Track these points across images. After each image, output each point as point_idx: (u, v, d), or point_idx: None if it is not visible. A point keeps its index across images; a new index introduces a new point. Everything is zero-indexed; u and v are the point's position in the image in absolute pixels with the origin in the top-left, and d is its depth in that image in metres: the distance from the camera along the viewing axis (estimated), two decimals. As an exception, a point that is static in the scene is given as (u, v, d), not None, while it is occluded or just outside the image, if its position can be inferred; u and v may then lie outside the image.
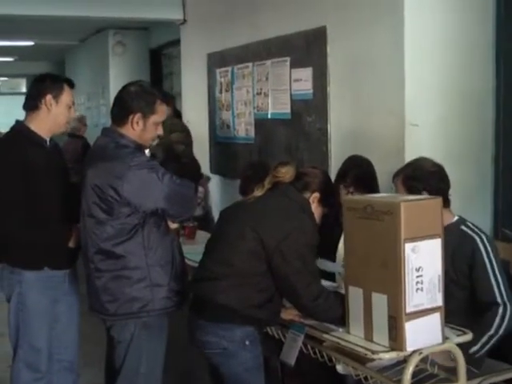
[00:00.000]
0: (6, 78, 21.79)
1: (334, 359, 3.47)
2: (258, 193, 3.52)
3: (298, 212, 3.45)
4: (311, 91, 6.09)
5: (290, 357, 3.50)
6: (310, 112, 6.13)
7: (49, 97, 3.91)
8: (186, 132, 7.19)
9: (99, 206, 3.52)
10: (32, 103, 3.95)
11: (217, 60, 8.01)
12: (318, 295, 3.30)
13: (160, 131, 3.76)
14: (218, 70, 7.98)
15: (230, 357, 3.38)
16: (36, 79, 4.09)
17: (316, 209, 3.56)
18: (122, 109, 3.65)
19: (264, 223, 3.35)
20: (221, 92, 7.94)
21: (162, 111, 3.71)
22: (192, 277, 3.67)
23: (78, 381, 4.27)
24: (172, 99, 7.52)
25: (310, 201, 3.54)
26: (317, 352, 3.54)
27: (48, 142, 4.00)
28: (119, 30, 12.24)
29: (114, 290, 3.57)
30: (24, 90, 21.94)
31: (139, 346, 3.63)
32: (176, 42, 10.20)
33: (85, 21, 10.57)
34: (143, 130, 3.63)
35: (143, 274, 3.55)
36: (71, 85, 4.05)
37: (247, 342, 3.37)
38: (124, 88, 3.72)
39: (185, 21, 9.12)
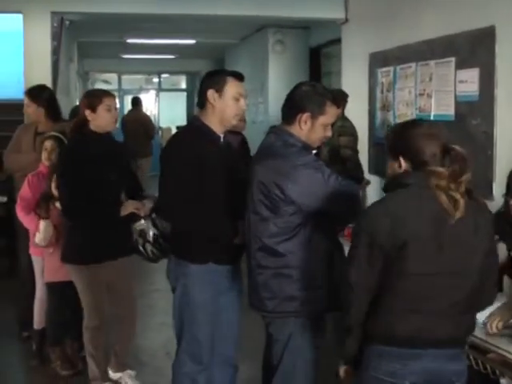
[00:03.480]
0: (167, 75, 22.45)
1: (497, 372, 3.34)
2: (457, 214, 2.73)
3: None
4: (477, 93, 5.92)
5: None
6: (476, 114, 5.95)
7: (210, 92, 3.87)
8: (354, 137, 7.13)
9: (264, 203, 3.54)
10: (199, 100, 3.98)
11: (379, 60, 7.93)
12: None
13: (328, 133, 3.70)
14: (379, 70, 7.90)
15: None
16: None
17: None
18: (292, 107, 3.63)
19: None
20: (382, 92, 7.86)
21: (331, 113, 3.66)
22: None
23: (236, 375, 4.30)
24: (345, 97, 7.34)
25: None
26: (479, 363, 3.42)
27: (222, 139, 4.02)
28: (279, 28, 12.31)
29: (274, 287, 3.58)
30: (184, 86, 22.59)
31: (297, 345, 3.62)
32: (336, 41, 10.17)
33: (246, 20, 10.72)
34: (311, 130, 3.59)
35: (303, 274, 3.53)
36: (238, 77, 3.96)
37: None
38: (296, 87, 3.70)
39: (346, 20, 9.09)
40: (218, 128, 3.96)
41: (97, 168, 4.60)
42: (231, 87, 3.90)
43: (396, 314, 2.78)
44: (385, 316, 2.80)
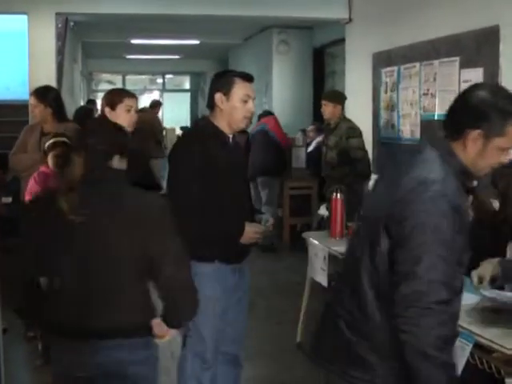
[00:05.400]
0: (171, 76, 22.45)
1: (502, 372, 3.34)
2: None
3: None
4: (481, 92, 5.91)
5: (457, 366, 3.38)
6: (480, 114, 5.95)
7: (218, 94, 3.79)
8: (362, 138, 7.13)
9: None
10: (208, 102, 3.91)
11: (382, 59, 7.93)
12: None
13: (504, 159, 2.64)
14: (383, 70, 7.91)
15: None
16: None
17: None
18: (459, 117, 2.62)
19: None
20: (386, 92, 7.87)
21: None
22: None
23: (240, 374, 4.28)
24: (344, 98, 7.37)
25: None
26: (484, 363, 3.41)
27: (231, 140, 3.94)
28: (283, 28, 12.32)
29: None
30: (187, 86, 22.59)
31: None
32: (339, 41, 10.19)
33: (250, 20, 10.73)
34: (480, 153, 2.58)
35: None
36: (247, 78, 3.85)
37: None
38: (471, 91, 2.64)
39: (350, 20, 9.10)
40: (226, 130, 3.89)
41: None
42: (239, 89, 3.80)
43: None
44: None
